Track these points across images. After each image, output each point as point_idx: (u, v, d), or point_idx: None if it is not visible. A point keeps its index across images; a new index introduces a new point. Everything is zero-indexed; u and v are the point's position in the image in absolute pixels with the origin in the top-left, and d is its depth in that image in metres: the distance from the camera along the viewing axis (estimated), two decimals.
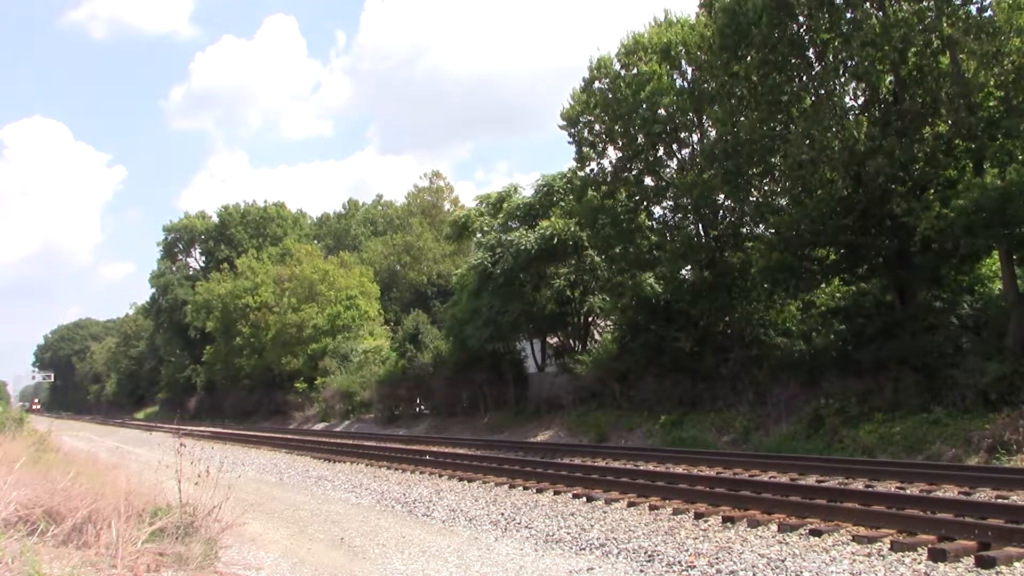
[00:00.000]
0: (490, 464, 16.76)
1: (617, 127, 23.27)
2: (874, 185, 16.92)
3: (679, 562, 8.00)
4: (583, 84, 24.33)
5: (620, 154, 24.01)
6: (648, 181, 24.31)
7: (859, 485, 11.93)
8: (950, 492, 10.79)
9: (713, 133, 22.13)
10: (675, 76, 23.24)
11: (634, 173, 23.97)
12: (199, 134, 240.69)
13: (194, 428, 44.84)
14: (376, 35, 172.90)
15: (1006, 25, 14.87)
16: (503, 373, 31.44)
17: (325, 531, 10.93)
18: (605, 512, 10.92)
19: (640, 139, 23.18)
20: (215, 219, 73.21)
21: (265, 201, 73.49)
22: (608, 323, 29.87)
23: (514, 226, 30.55)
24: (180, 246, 75.56)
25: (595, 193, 24.22)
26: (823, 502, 9.75)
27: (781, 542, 8.46)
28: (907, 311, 18.08)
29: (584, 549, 8.94)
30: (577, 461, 17.39)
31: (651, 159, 23.69)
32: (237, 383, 58.18)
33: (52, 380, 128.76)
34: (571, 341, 31.14)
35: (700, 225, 23.78)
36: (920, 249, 17.34)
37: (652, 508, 10.85)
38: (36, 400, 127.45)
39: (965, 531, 7.78)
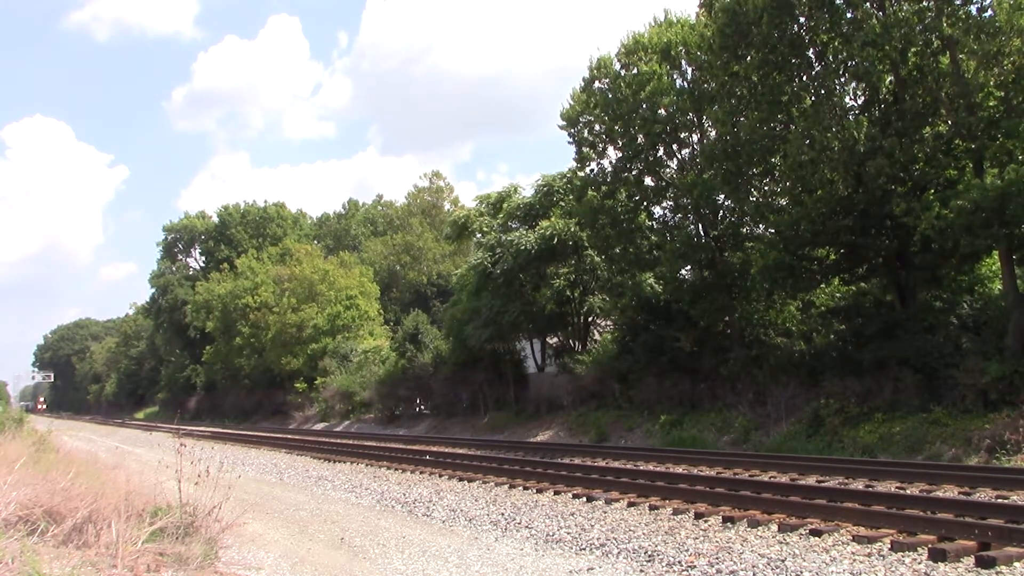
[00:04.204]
0: (490, 464, 16.76)
1: (617, 127, 23.27)
2: (874, 185, 16.92)
3: (679, 562, 8.00)
4: (583, 84, 24.34)
5: (620, 154, 24.01)
6: (648, 181, 24.31)
7: (859, 485, 11.93)
8: (950, 492, 10.79)
9: (713, 133, 22.12)
10: (675, 76, 23.24)
11: (634, 173, 23.96)
12: (201, 135, 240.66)
13: (194, 428, 44.85)
14: (377, 36, 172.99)
15: (1006, 25, 14.87)
16: (503, 373, 31.44)
17: (325, 531, 10.93)
18: (605, 512, 10.92)
19: (640, 139, 23.17)
20: (215, 219, 73.19)
21: (265, 201, 73.61)
22: (608, 323, 29.87)
23: (514, 226, 30.56)
24: (180, 246, 75.51)
25: (595, 193, 24.21)
26: (823, 502, 9.75)
27: (781, 542, 8.46)
28: (907, 311, 18.08)
29: (584, 549, 8.94)
30: (577, 461, 17.39)
31: (651, 159, 23.68)
32: (237, 383, 58.17)
33: (52, 380, 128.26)
34: (571, 341, 31.14)
35: (700, 225, 23.78)
36: (920, 249, 17.34)
37: (652, 508, 10.85)
38: (42, 400, 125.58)
39: (965, 531, 7.78)
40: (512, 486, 13.96)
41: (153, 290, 75.79)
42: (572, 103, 24.53)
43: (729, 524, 9.46)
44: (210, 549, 7.47)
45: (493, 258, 28.82)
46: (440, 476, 16.10)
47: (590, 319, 30.84)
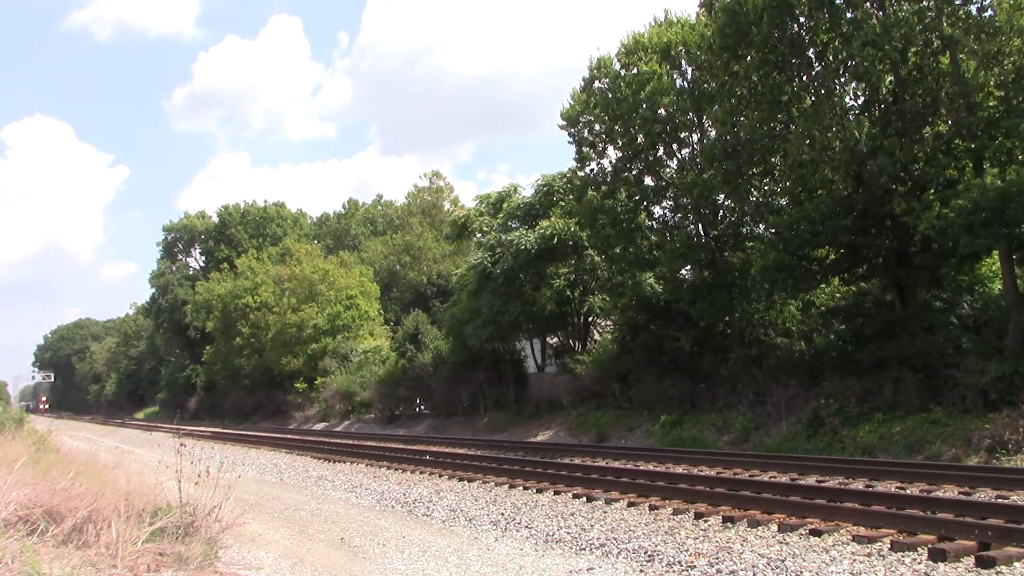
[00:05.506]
0: (490, 464, 16.76)
1: (617, 127, 23.27)
2: (875, 185, 16.93)
3: (679, 562, 8.00)
4: (583, 84, 24.34)
5: (620, 154, 24.01)
6: (648, 181, 24.31)
7: (859, 485, 11.93)
8: (950, 492, 10.79)
9: (713, 133, 22.13)
10: (675, 76, 23.24)
11: (634, 173, 23.97)
12: (201, 135, 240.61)
13: (194, 428, 44.85)
14: (378, 36, 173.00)
15: (1006, 25, 14.87)
16: (503, 373, 31.44)
17: (325, 531, 10.93)
18: (605, 512, 10.92)
19: (640, 139, 23.17)
20: (215, 219, 73.20)
21: (265, 201, 73.55)
22: (608, 323, 29.87)
23: (514, 226, 30.56)
24: (180, 246, 75.52)
25: (595, 193, 24.21)
26: (823, 502, 9.75)
27: (781, 542, 8.46)
28: (907, 311, 18.08)
29: (584, 549, 8.94)
30: (577, 461, 17.39)
31: (651, 159, 23.68)
32: (237, 383, 58.17)
33: (52, 380, 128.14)
34: (571, 341, 31.14)
35: (700, 225, 23.78)
36: (920, 249, 17.34)
37: (652, 508, 10.85)
38: (44, 399, 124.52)
39: (965, 531, 7.78)
40: (512, 486, 13.96)
41: (153, 290, 75.82)
42: (572, 103, 24.53)
43: (729, 524, 9.46)
44: (210, 549, 7.47)
45: (493, 258, 28.82)
46: (440, 476, 16.09)
47: (590, 319, 30.84)
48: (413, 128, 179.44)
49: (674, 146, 23.83)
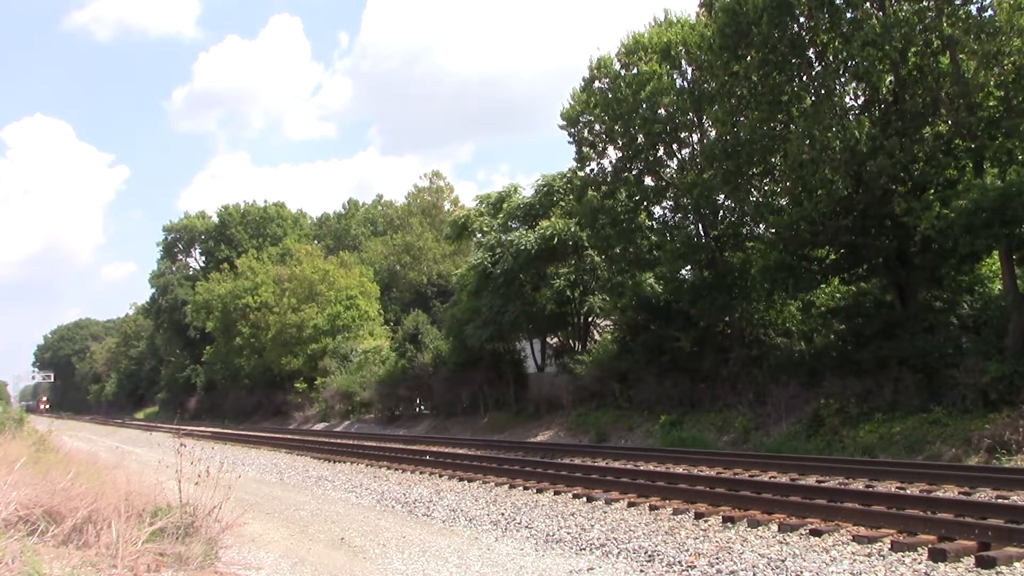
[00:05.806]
0: (490, 464, 16.77)
1: (617, 127, 23.26)
2: (875, 185, 16.93)
3: (679, 562, 8.01)
4: (583, 84, 24.33)
5: (620, 154, 24.00)
6: (648, 181, 24.31)
7: (859, 485, 11.93)
8: (950, 492, 10.79)
9: (713, 133, 22.11)
10: (675, 76, 23.23)
11: (634, 173, 23.96)
12: (201, 135, 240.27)
13: (194, 428, 44.86)
14: (378, 36, 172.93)
15: (1006, 25, 14.87)
16: (503, 373, 31.45)
17: (325, 531, 10.94)
18: (605, 512, 10.92)
19: (640, 139, 23.17)
20: (215, 219, 73.21)
21: (265, 201, 73.55)
22: (608, 323, 29.87)
23: (514, 226, 30.57)
24: (180, 246, 75.53)
25: (595, 193, 24.21)
26: (823, 502, 9.76)
27: (781, 542, 8.46)
28: (907, 311, 18.08)
29: (584, 549, 8.94)
30: (577, 461, 17.39)
31: (651, 159, 23.68)
32: (237, 383, 58.17)
33: (52, 380, 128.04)
34: (571, 341, 31.14)
35: (700, 225, 23.78)
36: (920, 249, 17.33)
37: (652, 508, 10.85)
38: (44, 399, 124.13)
39: (965, 531, 7.78)
40: (512, 486, 13.96)
41: (153, 290, 75.82)
42: (572, 103, 24.52)
43: (729, 524, 9.46)
44: (210, 549, 7.48)
45: (493, 258, 28.83)
46: (440, 476, 16.10)
47: (590, 319, 30.83)
48: (413, 128, 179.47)
49: (674, 146, 23.83)
